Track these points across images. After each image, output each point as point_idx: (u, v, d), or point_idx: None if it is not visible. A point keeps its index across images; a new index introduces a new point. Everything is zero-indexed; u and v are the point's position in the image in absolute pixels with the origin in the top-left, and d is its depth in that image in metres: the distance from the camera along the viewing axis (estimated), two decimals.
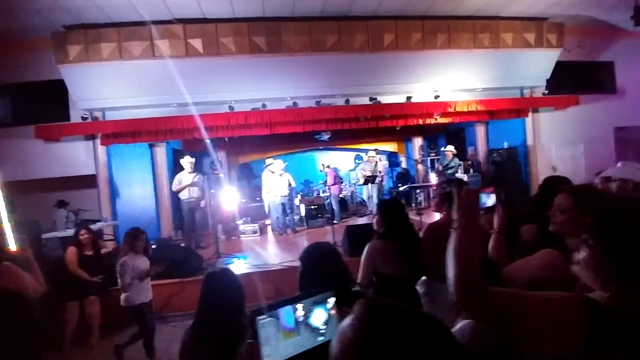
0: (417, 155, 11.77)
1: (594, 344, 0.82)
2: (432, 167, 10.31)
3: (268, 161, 8.48)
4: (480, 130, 9.22)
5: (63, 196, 6.59)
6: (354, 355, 0.59)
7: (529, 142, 8.55)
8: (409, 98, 7.61)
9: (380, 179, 8.86)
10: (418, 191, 9.12)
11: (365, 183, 8.47)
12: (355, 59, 6.98)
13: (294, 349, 1.00)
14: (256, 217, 8.93)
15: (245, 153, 11.82)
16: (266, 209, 8.70)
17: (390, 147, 13.11)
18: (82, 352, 4.13)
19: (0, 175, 2.75)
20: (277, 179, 7.98)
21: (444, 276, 1.01)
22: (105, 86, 6.58)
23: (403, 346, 0.58)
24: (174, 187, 6.99)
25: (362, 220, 8.66)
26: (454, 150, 8.87)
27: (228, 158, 11.45)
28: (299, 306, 1.03)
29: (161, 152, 7.81)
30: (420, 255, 2.52)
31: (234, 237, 8.12)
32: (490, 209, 2.04)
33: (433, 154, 11.36)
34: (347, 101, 7.49)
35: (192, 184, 6.96)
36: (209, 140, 7.24)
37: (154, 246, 5.63)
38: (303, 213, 8.96)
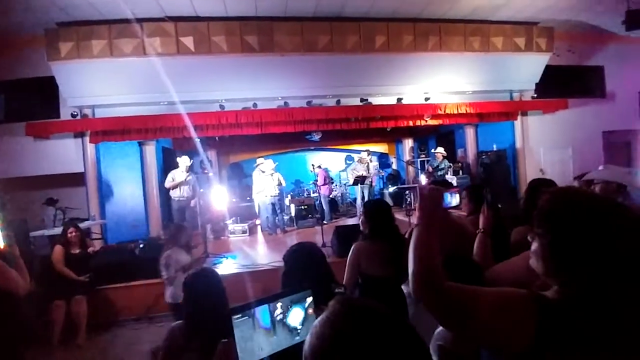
0: (407, 156, 11.83)
1: (544, 340, 0.82)
2: (423, 168, 10.38)
3: (259, 161, 8.46)
4: (469, 133, 9.30)
5: (51, 194, 6.49)
6: (325, 350, 0.61)
7: (518, 145, 8.65)
8: (399, 99, 7.66)
9: (370, 180, 8.89)
10: (407, 192, 9.17)
11: (355, 183, 8.50)
12: (347, 59, 7.00)
13: (271, 348, 1.00)
14: (246, 217, 8.90)
15: (236, 152, 11.76)
16: (256, 209, 8.68)
17: (381, 148, 13.15)
18: (68, 351, 4.08)
19: None
20: (267, 178, 7.97)
21: None
22: (95, 83, 6.52)
23: (372, 345, 0.59)
24: (167, 184, 6.94)
25: (351, 221, 8.68)
26: (444, 152, 8.93)
27: (218, 157, 11.38)
28: (278, 305, 1.03)
29: (151, 151, 7.74)
30: (405, 256, 2.54)
31: (223, 237, 8.08)
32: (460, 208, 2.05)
33: (423, 156, 11.43)
34: (338, 102, 7.51)
35: (185, 183, 6.91)
36: (199, 139, 7.20)
37: (141, 245, 5.59)
38: (293, 213, 8.96)
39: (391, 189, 11.00)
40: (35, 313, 4.15)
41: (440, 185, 2.66)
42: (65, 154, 6.95)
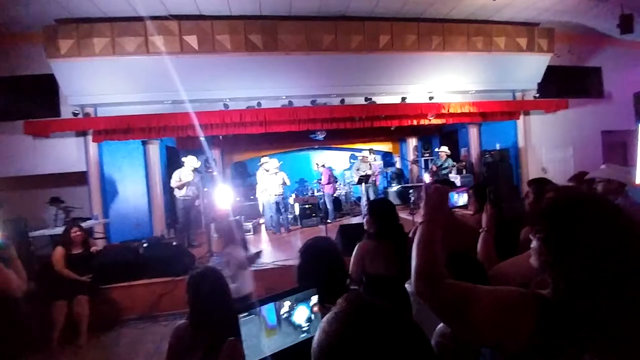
0: (411, 155, 11.83)
1: (542, 339, 0.82)
2: (426, 167, 10.37)
3: (263, 160, 8.46)
4: (473, 132, 9.30)
5: (53, 193, 6.43)
6: (333, 346, 0.62)
7: (520, 144, 8.68)
8: (403, 99, 7.64)
9: (374, 178, 8.88)
10: (411, 191, 9.16)
11: (359, 183, 8.49)
12: (351, 59, 7.00)
13: (276, 346, 1.00)
14: (250, 216, 8.91)
15: (240, 151, 11.78)
16: (260, 208, 8.68)
17: (385, 147, 13.15)
18: (70, 352, 4.06)
19: None
20: (271, 177, 7.97)
21: None
22: (97, 82, 6.52)
23: (378, 342, 0.60)
24: (173, 184, 6.93)
25: (355, 220, 8.68)
26: (448, 151, 8.94)
27: (222, 156, 11.40)
28: (285, 303, 1.03)
29: (154, 150, 7.77)
30: (409, 255, 2.53)
31: None
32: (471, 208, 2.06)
33: (427, 155, 11.44)
34: (342, 101, 7.50)
35: (190, 182, 6.92)
36: (203, 138, 7.21)
37: (145, 244, 5.60)
38: (297, 212, 8.96)
39: (395, 187, 10.99)
40: (35, 314, 4.10)
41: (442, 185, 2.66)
42: (66, 152, 6.94)
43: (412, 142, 12.02)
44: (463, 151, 9.91)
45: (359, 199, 10.27)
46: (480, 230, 2.01)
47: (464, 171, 8.86)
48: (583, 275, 0.84)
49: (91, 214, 6.78)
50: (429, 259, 1.00)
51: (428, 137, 11.86)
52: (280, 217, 8.14)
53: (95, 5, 5.98)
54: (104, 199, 7.18)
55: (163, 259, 5.16)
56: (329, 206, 8.95)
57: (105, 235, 6.95)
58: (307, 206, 8.96)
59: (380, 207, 2.73)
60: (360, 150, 10.24)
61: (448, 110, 7.71)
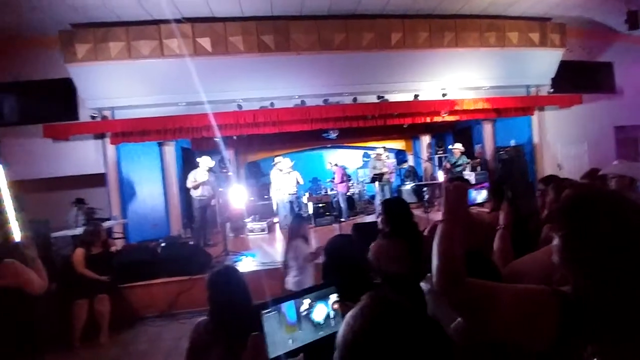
0: (424, 153, 11.73)
1: (566, 336, 0.82)
2: (440, 164, 10.27)
3: (276, 159, 8.53)
4: (487, 128, 9.17)
5: (72, 195, 6.60)
6: (356, 341, 0.64)
7: (535, 140, 8.58)
8: (416, 96, 7.60)
9: (388, 177, 8.85)
10: (425, 189, 9.09)
11: (373, 181, 8.47)
12: (363, 57, 6.99)
13: (296, 342, 1.04)
14: (264, 215, 8.99)
15: (253, 151, 11.85)
16: (274, 207, 8.75)
17: (398, 145, 13.06)
18: (92, 349, 4.17)
19: (8, 174, 2.78)
20: (285, 177, 8.02)
21: None
22: (114, 85, 6.67)
23: (400, 338, 0.62)
24: (189, 184, 7.04)
25: (369, 218, 8.66)
26: (462, 148, 8.84)
27: (236, 156, 11.50)
28: (305, 301, 1.07)
29: (170, 151, 7.90)
30: (425, 254, 2.52)
31: (242, 235, 8.19)
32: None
33: (441, 152, 11.29)
34: (354, 99, 7.50)
35: (206, 182, 7.03)
36: (217, 139, 7.30)
37: (163, 244, 5.70)
38: (311, 211, 8.99)
39: (409, 185, 10.92)
40: (57, 313, 4.24)
41: (459, 181, 2.65)
42: (85, 155, 7.12)
43: (426, 139, 11.90)
44: (477, 148, 9.79)
45: (373, 197, 10.23)
46: (497, 228, 2.00)
47: (479, 168, 8.75)
48: (604, 271, 0.84)
49: (110, 214, 6.94)
50: (450, 258, 1.00)
51: (441, 134, 11.72)
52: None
53: (111, 10, 6.11)
54: (122, 199, 7.34)
55: (180, 258, 5.25)
56: (343, 205, 8.96)
57: (123, 235, 7.11)
58: (320, 205, 8.99)
59: (394, 206, 2.73)
60: (373, 149, 10.21)
61: (461, 107, 7.65)
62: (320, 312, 1.10)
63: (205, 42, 6.50)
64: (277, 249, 6.88)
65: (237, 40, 6.55)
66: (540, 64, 7.86)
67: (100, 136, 7.13)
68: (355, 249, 1.80)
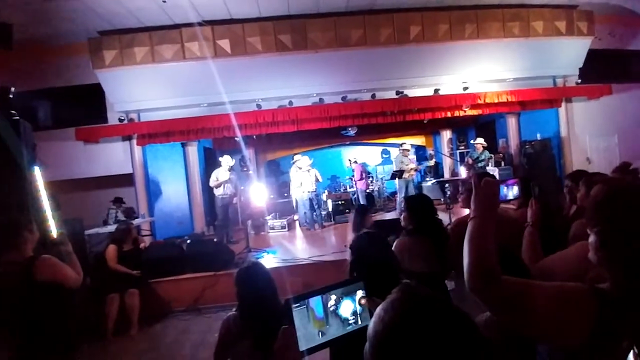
0: (445, 148, 11.53)
1: (602, 333, 0.82)
2: (462, 160, 10.09)
3: (296, 157, 8.58)
4: (511, 122, 8.95)
5: (102, 195, 6.91)
6: (387, 335, 0.65)
7: (563, 133, 8.28)
8: (436, 91, 7.50)
9: (412, 173, 8.75)
10: (447, 185, 8.96)
11: (393, 177, 8.41)
12: (381, 52, 6.94)
13: (325, 337, 1.07)
14: (284, 213, 9.09)
15: (273, 150, 11.99)
16: (294, 205, 8.83)
17: (418, 140, 12.90)
18: (123, 341, 4.35)
19: (44, 176, 2.93)
20: (304, 175, 8.08)
21: None
22: (139, 89, 6.89)
23: (431, 332, 0.62)
24: (212, 183, 7.20)
25: (389, 215, 8.63)
26: (484, 143, 8.62)
27: (256, 155, 11.66)
28: (332, 296, 1.10)
29: (193, 151, 8.09)
30: (449, 251, 2.51)
31: (263, 233, 8.31)
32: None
33: (462, 147, 11.10)
34: (373, 96, 7.47)
35: (227, 181, 7.18)
36: (238, 138, 7.42)
37: (188, 241, 5.86)
38: (330, 208, 9.02)
39: (430, 182, 10.78)
40: (92, 306, 4.47)
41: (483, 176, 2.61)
42: (114, 156, 7.39)
43: (447, 134, 11.69)
44: (501, 142, 9.56)
45: (392, 194, 10.17)
46: (525, 225, 1.97)
47: (502, 163, 8.55)
48: None
49: (138, 213, 7.17)
50: (482, 256, 0.98)
51: (463, 128, 11.49)
52: (314, 213, 8.23)
53: (135, 16, 6.30)
54: (149, 198, 7.58)
55: (205, 255, 5.40)
56: (362, 202, 8.95)
57: (150, 233, 7.34)
58: (340, 202, 9.01)
59: (417, 203, 2.71)
60: (392, 145, 10.11)
61: (484, 101, 7.49)
62: (347, 307, 1.12)
63: (225, 44, 6.61)
64: (297, 246, 6.96)
65: (255, 40, 6.64)
66: (567, 54, 7.58)
67: (128, 138, 7.39)
68: (384, 246, 1.81)
